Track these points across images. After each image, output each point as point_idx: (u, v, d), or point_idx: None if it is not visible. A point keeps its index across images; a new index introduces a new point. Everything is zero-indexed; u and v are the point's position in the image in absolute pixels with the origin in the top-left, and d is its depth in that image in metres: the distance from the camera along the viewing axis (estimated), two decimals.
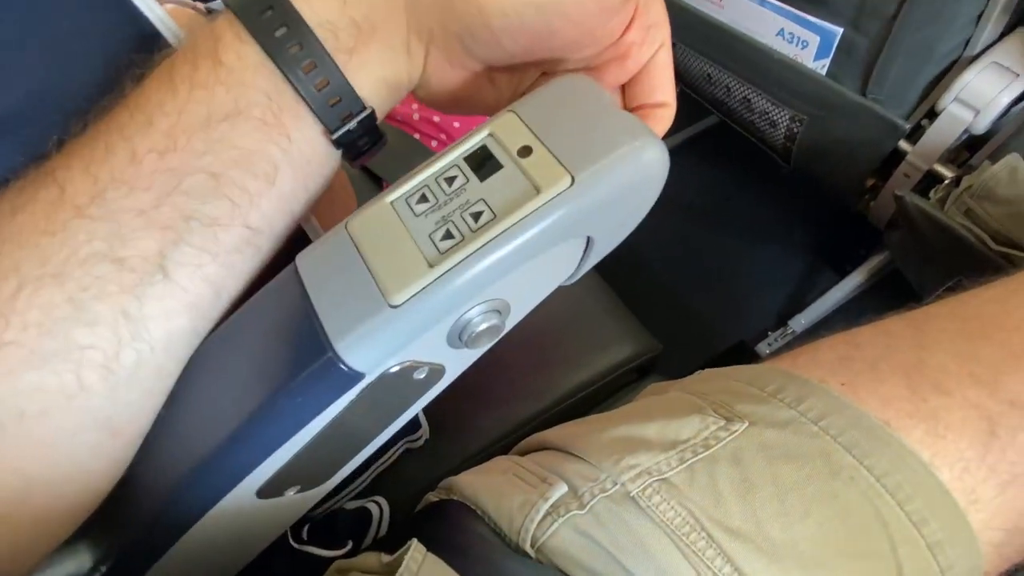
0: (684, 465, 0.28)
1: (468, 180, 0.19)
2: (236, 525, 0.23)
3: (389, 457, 0.44)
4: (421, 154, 0.55)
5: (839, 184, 0.75)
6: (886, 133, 0.63)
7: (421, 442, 0.45)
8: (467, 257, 0.17)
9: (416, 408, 0.24)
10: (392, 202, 0.19)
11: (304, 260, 0.20)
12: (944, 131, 0.59)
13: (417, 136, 0.56)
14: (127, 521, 0.21)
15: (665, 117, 0.24)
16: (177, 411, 0.21)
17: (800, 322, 0.92)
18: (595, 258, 0.23)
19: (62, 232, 0.19)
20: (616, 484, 0.28)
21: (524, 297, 0.21)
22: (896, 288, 0.94)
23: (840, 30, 0.61)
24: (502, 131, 0.19)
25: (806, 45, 0.64)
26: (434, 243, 0.18)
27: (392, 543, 0.28)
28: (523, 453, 0.35)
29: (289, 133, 0.21)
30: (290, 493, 0.24)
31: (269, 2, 0.20)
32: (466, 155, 0.19)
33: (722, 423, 0.30)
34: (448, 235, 0.18)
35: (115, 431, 0.20)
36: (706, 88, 0.82)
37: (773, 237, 1.04)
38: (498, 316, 0.20)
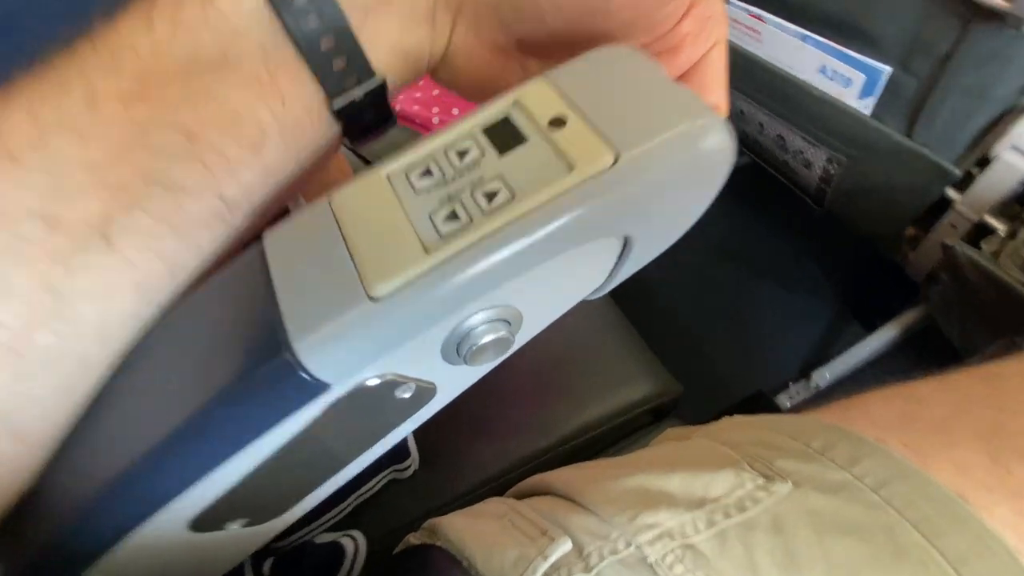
0: (714, 529, 0.24)
1: (484, 154, 0.15)
2: (164, 560, 0.19)
3: (372, 487, 0.40)
4: None
5: (876, 231, 0.71)
6: (933, 179, 0.59)
7: (409, 472, 0.41)
8: (475, 244, 0.14)
9: (398, 435, 0.21)
10: (388, 175, 0.16)
11: (273, 238, 0.16)
12: (997, 180, 0.55)
13: None
14: (30, 543, 0.18)
15: None
16: (103, 414, 0.18)
17: (824, 376, 0.87)
18: (630, 268, 0.19)
19: None
20: (630, 546, 0.24)
21: (539, 308, 0.18)
22: (930, 346, 0.89)
23: (888, 68, 0.58)
24: (530, 99, 0.16)
25: (849, 83, 0.61)
26: (435, 225, 0.14)
27: None
28: (521, 496, 0.31)
29: (283, 95, 0.18)
30: (233, 527, 0.21)
31: None
32: (484, 126, 0.16)
33: (760, 481, 0.25)
34: (453, 216, 0.14)
35: (17, 432, 0.17)
36: (738, 124, 0.79)
37: (799, 283, 1.00)
38: (507, 328, 0.16)
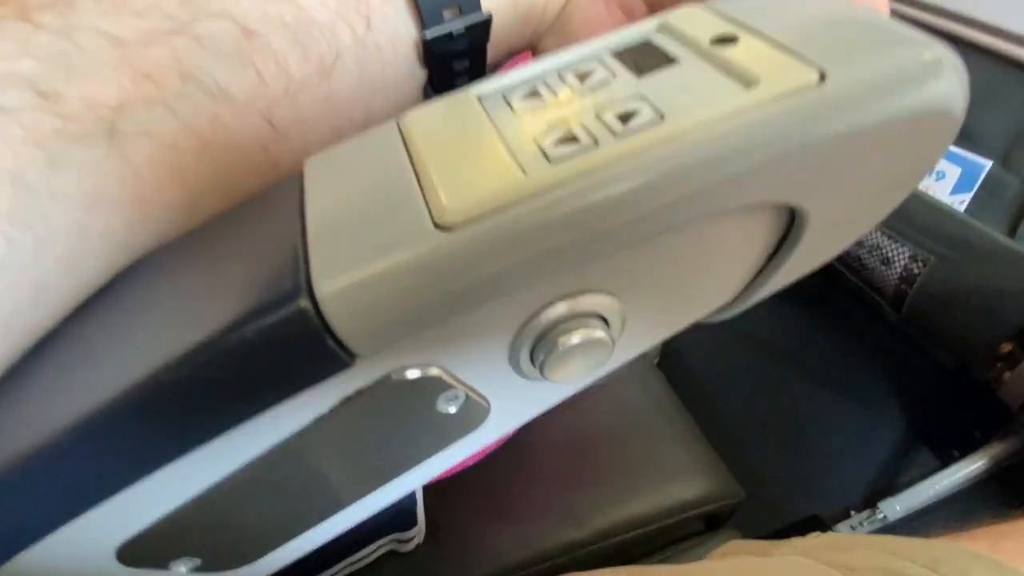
0: None
1: (616, 76, 0.11)
2: None
3: (367, 555, 0.33)
4: None
5: (966, 345, 0.63)
6: None
7: (411, 545, 0.34)
8: (601, 167, 0.09)
9: (421, 476, 0.16)
10: (479, 95, 0.12)
11: (317, 160, 0.13)
12: None
13: None
14: None
15: None
16: (32, 368, 0.13)
17: (895, 508, 0.76)
18: (778, 279, 0.14)
19: None
20: None
21: (647, 314, 0.13)
22: (1020, 483, 0.77)
23: (988, 163, 0.53)
24: (682, 21, 0.12)
25: (943, 176, 0.57)
26: (540, 148, 0.10)
27: None
28: None
29: (370, 14, 0.15)
30: (179, 569, 0.15)
31: None
32: (614, 50, 0.12)
33: None
34: (570, 139, 0.10)
35: None
36: None
37: (865, 400, 0.91)
38: (604, 329, 0.12)
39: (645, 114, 0.10)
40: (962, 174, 0.55)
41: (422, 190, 0.10)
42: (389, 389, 0.12)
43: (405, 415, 0.13)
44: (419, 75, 0.17)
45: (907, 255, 0.63)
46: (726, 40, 0.11)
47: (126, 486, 0.12)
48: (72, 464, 0.11)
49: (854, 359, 0.92)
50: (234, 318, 0.10)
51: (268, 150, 0.15)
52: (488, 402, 0.13)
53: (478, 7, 0.16)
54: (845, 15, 0.11)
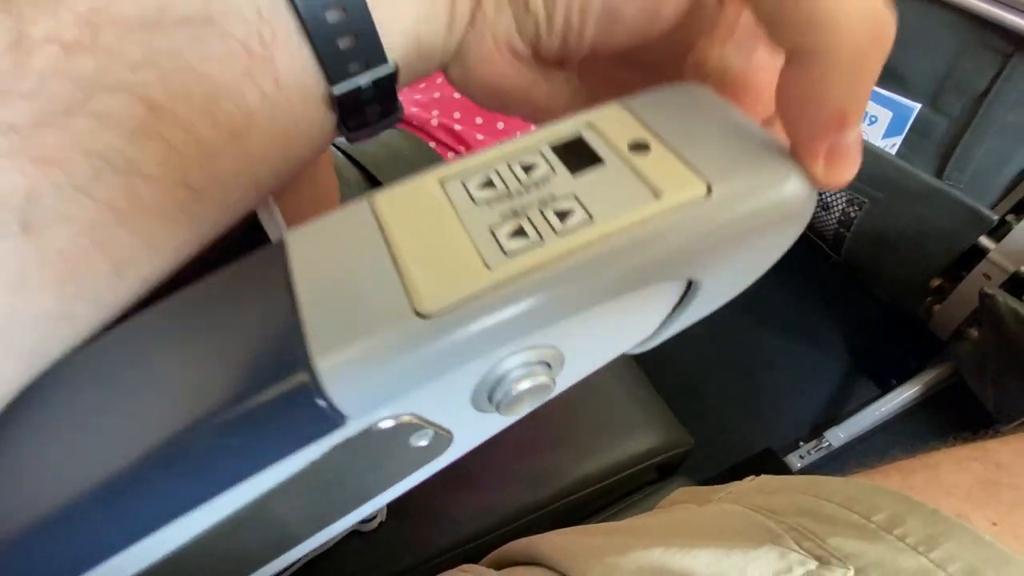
0: None
1: (555, 172, 0.14)
2: None
3: (331, 540, 0.34)
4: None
5: (899, 282, 0.66)
6: (965, 225, 0.55)
7: (375, 524, 0.35)
8: (549, 264, 0.12)
9: (391, 494, 0.18)
10: (441, 180, 0.14)
11: (298, 237, 0.14)
12: None
13: (432, 145, 0.48)
14: None
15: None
16: (23, 441, 0.14)
17: (838, 436, 0.81)
18: (683, 321, 0.17)
19: None
20: None
21: (584, 355, 0.16)
22: (950, 407, 0.83)
23: (917, 106, 0.55)
24: (605, 122, 0.14)
25: (874, 121, 0.58)
26: (497, 240, 0.13)
27: None
28: (502, 564, 0.25)
29: (278, 72, 0.14)
30: None
31: None
32: (553, 143, 0.14)
33: (813, 565, 0.20)
34: (520, 233, 0.13)
35: None
36: None
37: (810, 337, 0.95)
38: (547, 372, 0.14)
39: (579, 215, 0.13)
40: (893, 118, 0.56)
41: (401, 277, 0.12)
42: (370, 436, 0.14)
43: (381, 453, 0.15)
44: (331, 121, 0.17)
45: (844, 199, 0.65)
46: (641, 147, 0.13)
47: (145, 535, 0.13)
48: (78, 529, 0.13)
49: (801, 303, 0.96)
50: (241, 390, 0.12)
51: (188, 210, 0.15)
52: (452, 433, 0.15)
53: (384, 59, 0.16)
54: (731, 126, 0.14)
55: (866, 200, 0.62)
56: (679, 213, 0.12)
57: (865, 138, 0.60)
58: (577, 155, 0.14)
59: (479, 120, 0.50)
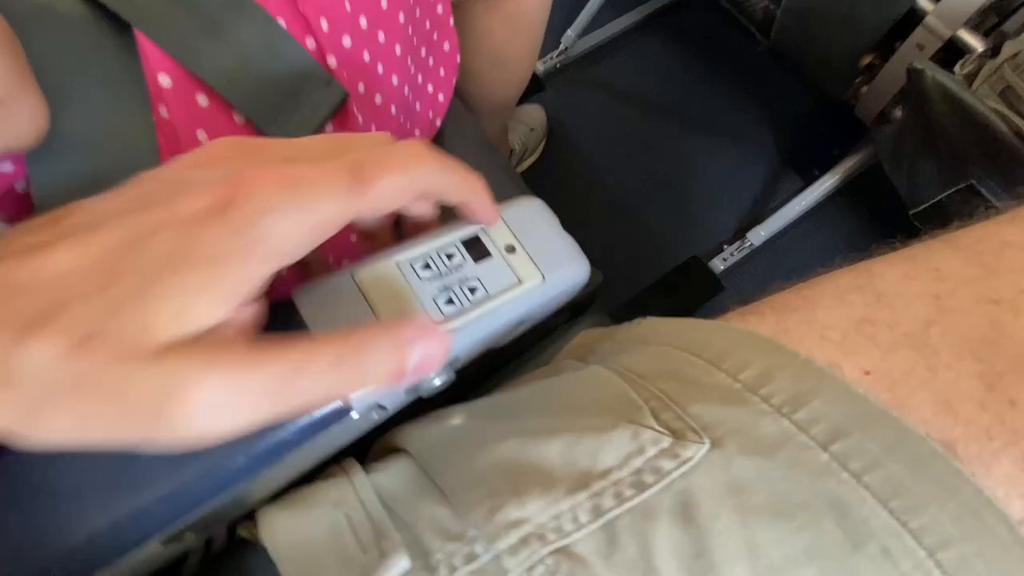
0: (600, 521, 0.17)
1: (465, 261, 0.21)
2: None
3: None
4: None
5: (828, 61, 0.61)
6: None
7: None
8: (468, 321, 0.20)
9: (332, 448, 0.24)
10: (398, 263, 0.21)
11: (304, 297, 0.20)
12: None
13: None
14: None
15: None
16: None
17: (759, 234, 0.81)
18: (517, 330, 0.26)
19: None
20: (488, 552, 0.15)
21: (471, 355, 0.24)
22: (866, 196, 0.84)
23: None
24: (492, 230, 0.22)
25: None
26: (438, 306, 0.20)
27: None
28: (380, 457, 0.23)
29: None
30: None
31: None
32: (463, 240, 0.22)
33: (667, 443, 0.17)
34: (451, 301, 0.20)
35: None
36: None
37: (737, 136, 0.91)
38: (450, 371, 0.21)
39: (481, 291, 0.21)
40: None
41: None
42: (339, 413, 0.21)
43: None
44: None
45: None
46: (511, 249, 0.22)
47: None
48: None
49: (729, 105, 0.90)
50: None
51: None
52: (386, 407, 0.23)
53: None
54: (555, 233, 0.23)
55: None
56: (530, 293, 0.22)
57: None
58: (477, 249, 0.22)
59: None
